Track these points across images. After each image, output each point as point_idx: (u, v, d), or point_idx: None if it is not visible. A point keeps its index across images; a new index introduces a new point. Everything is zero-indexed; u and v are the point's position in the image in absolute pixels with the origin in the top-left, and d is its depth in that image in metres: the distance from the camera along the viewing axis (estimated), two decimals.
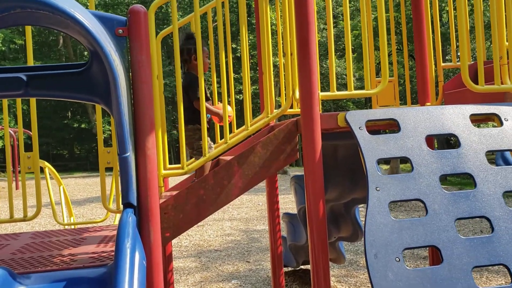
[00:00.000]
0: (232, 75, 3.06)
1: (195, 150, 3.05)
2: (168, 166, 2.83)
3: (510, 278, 1.99)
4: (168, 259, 3.36)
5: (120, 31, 2.27)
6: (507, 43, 2.67)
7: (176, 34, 2.63)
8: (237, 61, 21.81)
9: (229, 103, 2.98)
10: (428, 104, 3.47)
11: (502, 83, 2.64)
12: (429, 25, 3.49)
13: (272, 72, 3.13)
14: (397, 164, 14.28)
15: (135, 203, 2.12)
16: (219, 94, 3.09)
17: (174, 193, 2.68)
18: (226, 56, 3.08)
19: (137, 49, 2.25)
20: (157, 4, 2.51)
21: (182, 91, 2.96)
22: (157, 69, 2.45)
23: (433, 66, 3.33)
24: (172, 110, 32.59)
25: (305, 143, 2.43)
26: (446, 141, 22.44)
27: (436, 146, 20.12)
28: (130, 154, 2.08)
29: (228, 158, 2.88)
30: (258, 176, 2.57)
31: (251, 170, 2.55)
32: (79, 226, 5.24)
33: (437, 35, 3.43)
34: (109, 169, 3.02)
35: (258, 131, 3.26)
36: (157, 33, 3.08)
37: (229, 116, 3.02)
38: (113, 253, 2.28)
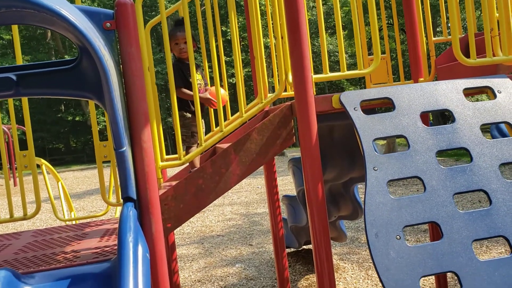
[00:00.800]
0: (223, 58, 3.04)
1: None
2: (166, 157, 2.83)
3: (510, 249, 2.01)
4: (171, 248, 3.38)
5: (108, 24, 2.24)
6: (497, 14, 2.66)
7: (164, 22, 2.61)
8: (228, 44, 21.66)
9: (221, 86, 2.97)
10: (421, 79, 3.47)
11: (494, 55, 2.63)
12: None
13: (263, 57, 3.11)
14: (393, 139, 14.31)
15: (134, 197, 2.12)
16: (211, 78, 3.07)
17: (174, 183, 2.69)
18: (216, 40, 3.06)
19: (126, 41, 2.23)
20: None
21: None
22: (148, 61, 2.43)
23: (425, 41, 3.32)
24: (165, 97, 32.46)
25: (300, 126, 2.42)
26: (441, 114, 22.48)
27: (431, 119, 20.17)
28: (127, 148, 2.07)
29: (225, 146, 2.88)
30: (256, 163, 2.57)
31: (248, 157, 2.55)
32: (80, 221, 5.26)
33: (427, 8, 3.41)
34: (107, 162, 3.02)
35: (253, 117, 3.26)
36: (145, 22, 3.05)
37: (222, 99, 3.01)
38: (116, 247, 2.30)
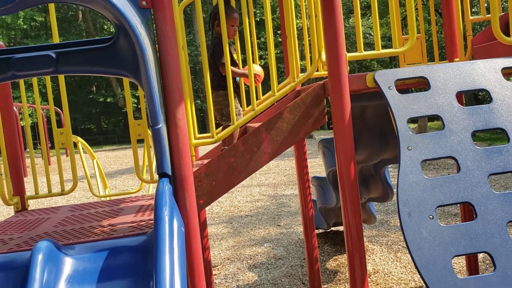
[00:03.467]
0: (255, 38, 3.05)
1: (224, 116, 3.07)
2: (198, 135, 2.87)
3: None
4: (203, 225, 3.44)
5: (144, 3, 2.27)
6: None
7: (198, 3, 2.62)
8: (257, 25, 21.53)
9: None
10: (457, 60, 3.39)
11: None
12: None
13: (296, 36, 3.10)
14: (425, 122, 14.07)
15: (169, 173, 2.17)
16: (243, 61, 3.08)
17: (206, 161, 2.73)
18: (249, 18, 3.06)
19: (162, 20, 2.25)
20: None
21: (209, 57, 2.97)
22: (181, 40, 2.45)
23: (461, 20, 3.24)
24: (194, 79, 32.64)
25: (333, 106, 2.42)
26: (474, 97, 21.91)
27: (464, 102, 19.71)
28: (162, 126, 2.12)
29: (256, 125, 2.90)
30: (287, 142, 2.59)
31: (279, 136, 2.57)
32: (114, 197, 5.40)
33: None
34: (140, 141, 3.09)
35: (284, 97, 3.26)
36: (179, 2, 3.07)
37: (258, 76, 3.02)
38: (151, 222, 2.36)
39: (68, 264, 1.96)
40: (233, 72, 2.83)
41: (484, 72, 2.33)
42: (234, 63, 3.02)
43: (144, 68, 2.03)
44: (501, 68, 2.34)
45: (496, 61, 2.37)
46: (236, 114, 3.03)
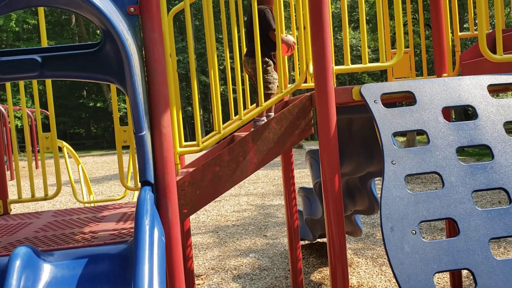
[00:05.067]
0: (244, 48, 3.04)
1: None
2: (184, 143, 2.85)
3: None
4: (186, 234, 3.41)
5: (132, 9, 2.26)
6: None
7: (187, 11, 2.61)
8: None
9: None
10: (445, 75, 3.42)
11: None
12: None
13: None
14: (413, 136, 14.14)
15: (152, 181, 2.15)
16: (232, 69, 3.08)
17: (191, 170, 2.71)
18: (239, 31, 3.06)
19: (149, 27, 2.24)
20: None
21: (249, 25, 2.94)
22: (169, 47, 2.44)
23: (450, 36, 3.26)
24: (186, 86, 32.63)
25: (320, 118, 2.42)
26: (464, 112, 22.12)
27: (453, 117, 19.86)
28: (146, 133, 2.10)
29: (243, 134, 2.89)
30: (273, 152, 2.58)
31: (266, 146, 2.56)
32: (98, 203, 5.34)
33: (454, 2, 3.35)
34: (126, 147, 3.06)
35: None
36: (168, 10, 3.06)
37: (294, 44, 3.03)
38: (132, 230, 2.33)
39: (47, 271, 1.93)
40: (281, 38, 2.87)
41: (470, 88, 2.34)
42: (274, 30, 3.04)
43: (129, 74, 2.01)
44: (487, 85, 2.35)
45: (482, 77, 2.38)
46: (272, 83, 3.02)
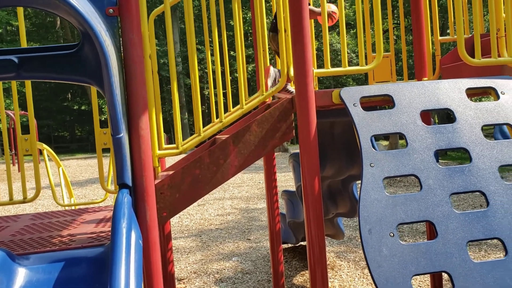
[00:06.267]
0: (226, 50, 3.02)
1: None
2: (164, 146, 2.83)
3: (505, 251, 2.00)
4: (167, 238, 3.38)
5: (111, 10, 2.24)
6: (504, 15, 2.63)
7: (168, 13, 2.60)
8: (230, 38, 21.61)
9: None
10: (425, 79, 3.45)
11: (499, 56, 2.61)
12: None
13: (267, 50, 3.10)
14: (396, 139, 14.25)
15: (130, 184, 2.12)
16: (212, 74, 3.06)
17: (171, 172, 2.69)
18: (221, 35, 3.05)
19: (128, 28, 2.22)
20: None
21: None
22: (149, 49, 2.42)
23: (431, 39, 3.29)
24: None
25: (300, 121, 2.42)
26: (447, 116, 22.36)
27: (436, 120, 20.06)
28: (124, 135, 2.08)
29: (224, 137, 2.88)
30: (254, 155, 2.57)
31: (247, 148, 2.55)
32: (79, 206, 5.27)
33: (435, 7, 3.38)
34: (107, 150, 3.03)
35: (255, 109, 3.25)
36: (150, 12, 3.04)
37: (334, 13, 3.00)
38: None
39: (21, 275, 1.89)
40: (312, 12, 2.80)
41: (449, 92, 2.36)
42: None
43: (107, 76, 1.99)
44: (465, 88, 2.37)
45: (460, 81, 2.40)
46: None
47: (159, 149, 2.60)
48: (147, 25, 2.46)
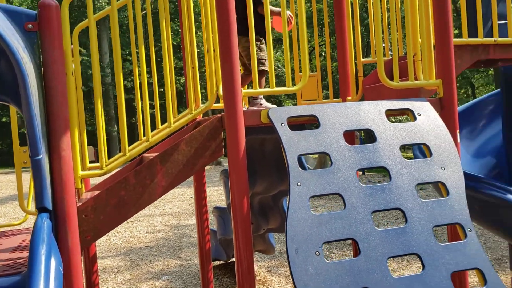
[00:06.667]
0: (154, 63, 2.96)
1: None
2: (88, 165, 2.73)
3: (422, 266, 2.10)
4: (92, 260, 3.25)
5: (30, 25, 2.15)
6: (420, 40, 2.80)
7: (92, 27, 2.52)
8: (174, 51, 21.36)
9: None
10: (349, 98, 3.59)
11: (416, 79, 2.77)
12: (350, 20, 3.59)
13: (197, 67, 3.09)
14: (324, 156, 14.67)
15: (50, 207, 2.02)
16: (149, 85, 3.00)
17: (96, 193, 2.59)
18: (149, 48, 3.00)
19: (49, 44, 2.14)
20: None
21: (239, 2, 2.74)
22: (71, 65, 2.33)
23: (353, 61, 3.44)
24: (106, 103, 31.42)
25: (229, 140, 2.42)
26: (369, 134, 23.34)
27: (362, 135, 20.85)
28: (43, 156, 1.98)
29: (152, 155, 2.82)
30: (183, 174, 2.54)
31: (175, 168, 2.51)
32: None
33: (357, 30, 3.54)
34: (27, 168, 2.87)
35: (184, 127, 3.22)
36: (75, 26, 2.94)
37: (291, 17, 3.04)
38: None
39: None
40: (271, 11, 2.83)
41: (370, 113, 2.46)
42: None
43: (25, 95, 1.89)
44: (384, 110, 2.49)
45: (380, 103, 2.52)
46: (265, 59, 3.00)
47: (82, 169, 2.50)
48: (70, 40, 2.37)
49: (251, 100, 3.37)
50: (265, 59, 3.17)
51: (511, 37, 3.02)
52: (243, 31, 2.95)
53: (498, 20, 3.10)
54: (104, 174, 2.47)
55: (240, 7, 2.87)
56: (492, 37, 3.00)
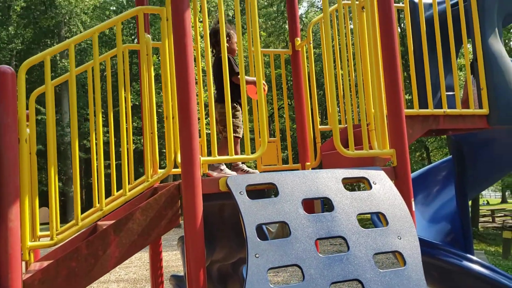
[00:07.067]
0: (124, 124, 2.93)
1: (226, 127, 2.83)
2: (39, 233, 2.60)
3: None
4: None
5: None
6: (373, 110, 2.90)
7: (50, 93, 2.49)
8: (134, 110, 21.33)
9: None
10: (308, 163, 3.64)
11: (371, 148, 2.84)
12: (307, 87, 3.71)
13: (156, 132, 3.07)
14: None
15: None
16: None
17: (45, 264, 2.46)
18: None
19: (2, 111, 2.09)
20: (29, 63, 2.37)
21: (216, 72, 3.01)
22: (25, 132, 2.27)
23: (312, 129, 3.52)
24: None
25: (185, 208, 2.38)
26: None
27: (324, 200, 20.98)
28: None
29: (106, 224, 2.73)
30: (137, 245, 2.46)
31: (129, 238, 2.43)
32: None
33: (314, 97, 3.65)
34: None
35: (140, 194, 3.15)
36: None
37: (265, 85, 3.04)
38: None
39: None
40: (246, 80, 2.95)
41: (327, 181, 2.49)
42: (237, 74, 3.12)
43: None
44: (341, 178, 2.53)
45: (337, 171, 2.56)
46: (239, 127, 3.11)
47: (32, 239, 2.38)
48: (25, 106, 2.33)
49: (212, 165, 3.36)
50: (239, 126, 3.20)
51: (459, 108, 3.17)
52: (219, 99, 3.08)
53: (447, 92, 3.27)
54: (55, 245, 2.36)
55: (215, 76, 2.99)
56: (441, 108, 3.15)
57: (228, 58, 3.01)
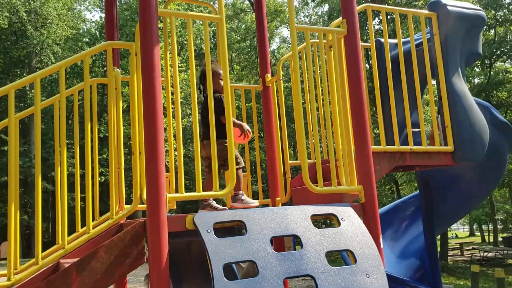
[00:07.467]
0: (94, 155, 2.88)
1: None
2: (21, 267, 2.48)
3: None
4: None
5: None
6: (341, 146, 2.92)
7: (12, 127, 2.43)
8: (104, 142, 21.02)
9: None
10: (278, 198, 3.62)
11: (339, 184, 2.85)
12: (277, 124, 3.73)
13: (122, 167, 3.02)
14: None
15: None
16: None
17: None
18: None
19: None
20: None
21: (205, 111, 2.95)
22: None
23: (282, 164, 3.52)
24: (23, 193, 29.80)
25: (151, 246, 2.32)
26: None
27: None
28: None
29: (69, 262, 2.63)
30: (100, 284, 2.37)
31: (92, 277, 2.34)
32: None
33: (284, 134, 3.67)
34: None
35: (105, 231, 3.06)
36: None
37: (249, 131, 3.12)
38: None
39: None
40: (233, 122, 2.96)
41: (296, 218, 2.47)
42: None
43: None
44: (310, 215, 2.52)
45: (306, 208, 2.55)
46: (239, 157, 3.09)
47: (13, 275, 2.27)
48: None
49: (201, 202, 3.25)
50: (238, 157, 3.18)
51: (425, 145, 3.23)
52: (208, 135, 3.05)
53: (413, 128, 3.33)
54: (12, 286, 2.25)
55: (205, 113, 2.97)
56: (408, 144, 3.20)
57: (220, 97, 3.04)
